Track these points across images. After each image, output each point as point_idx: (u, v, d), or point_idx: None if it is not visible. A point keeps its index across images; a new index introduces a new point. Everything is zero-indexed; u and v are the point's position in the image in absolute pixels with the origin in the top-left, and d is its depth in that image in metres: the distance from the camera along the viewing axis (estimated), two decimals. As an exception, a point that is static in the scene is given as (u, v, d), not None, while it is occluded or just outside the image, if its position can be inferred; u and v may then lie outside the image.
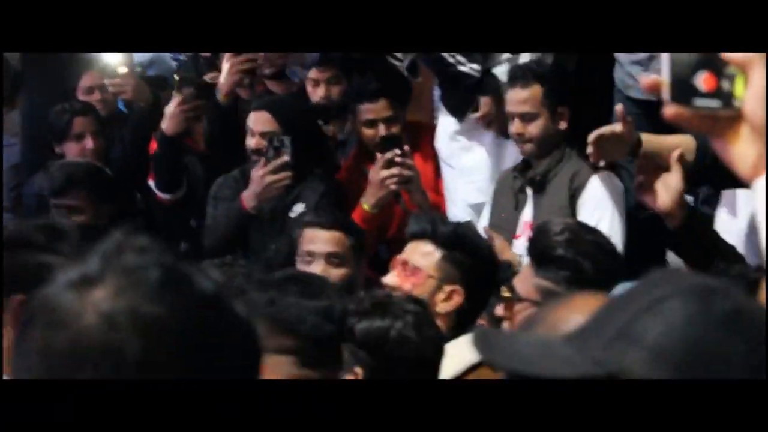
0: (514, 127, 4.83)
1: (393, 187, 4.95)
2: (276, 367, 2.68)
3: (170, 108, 5.31)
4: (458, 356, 3.31)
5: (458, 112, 5.20)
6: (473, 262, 3.61)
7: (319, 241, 4.34)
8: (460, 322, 3.59)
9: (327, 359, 2.71)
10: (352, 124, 5.49)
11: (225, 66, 5.41)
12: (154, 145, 5.46)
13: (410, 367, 2.79)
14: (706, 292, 1.40)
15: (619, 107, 4.07)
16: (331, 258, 4.31)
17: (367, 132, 5.32)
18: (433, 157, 5.40)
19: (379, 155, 5.00)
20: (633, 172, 3.96)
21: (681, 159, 3.71)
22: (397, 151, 4.97)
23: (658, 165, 3.72)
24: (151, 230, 5.35)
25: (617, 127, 3.99)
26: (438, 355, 2.96)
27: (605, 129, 4.05)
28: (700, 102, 1.49)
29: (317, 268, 4.21)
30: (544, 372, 1.39)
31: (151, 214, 5.53)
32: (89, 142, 5.66)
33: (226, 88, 5.41)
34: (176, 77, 5.42)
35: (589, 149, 4.08)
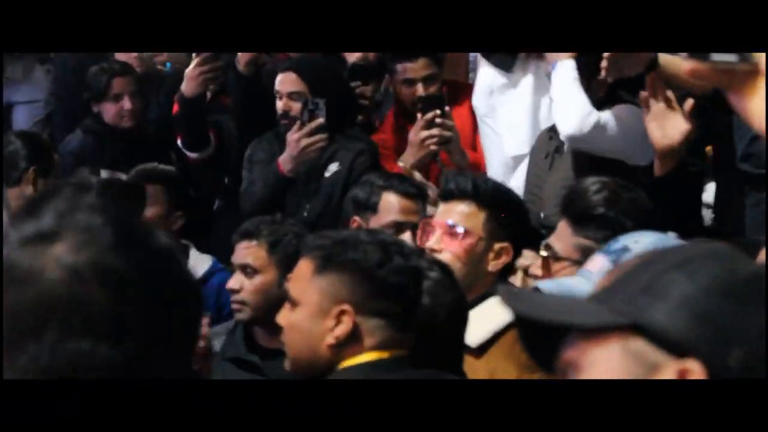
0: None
1: (433, 147, 4.89)
2: (376, 330, 2.66)
3: (189, 70, 5.30)
4: (492, 316, 3.26)
5: (504, 62, 5.10)
6: (515, 217, 3.57)
7: (409, 212, 4.31)
8: (503, 278, 3.56)
9: (414, 323, 2.69)
10: (389, 83, 5.42)
11: None
12: (176, 107, 5.45)
13: (421, 333, 2.73)
14: (731, 256, 1.42)
15: None
16: (415, 229, 4.28)
17: (406, 91, 5.24)
18: (471, 115, 5.32)
19: (419, 115, 4.93)
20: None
21: (693, 110, 3.73)
22: (438, 112, 4.90)
23: (667, 88, 3.75)
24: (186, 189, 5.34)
25: None
26: (453, 321, 2.89)
27: None
28: (717, 57, 1.52)
29: (406, 239, 4.15)
30: (566, 320, 1.39)
31: (186, 172, 5.51)
32: (127, 103, 5.72)
33: (245, 58, 5.37)
34: None
35: (603, 63, 4.08)
